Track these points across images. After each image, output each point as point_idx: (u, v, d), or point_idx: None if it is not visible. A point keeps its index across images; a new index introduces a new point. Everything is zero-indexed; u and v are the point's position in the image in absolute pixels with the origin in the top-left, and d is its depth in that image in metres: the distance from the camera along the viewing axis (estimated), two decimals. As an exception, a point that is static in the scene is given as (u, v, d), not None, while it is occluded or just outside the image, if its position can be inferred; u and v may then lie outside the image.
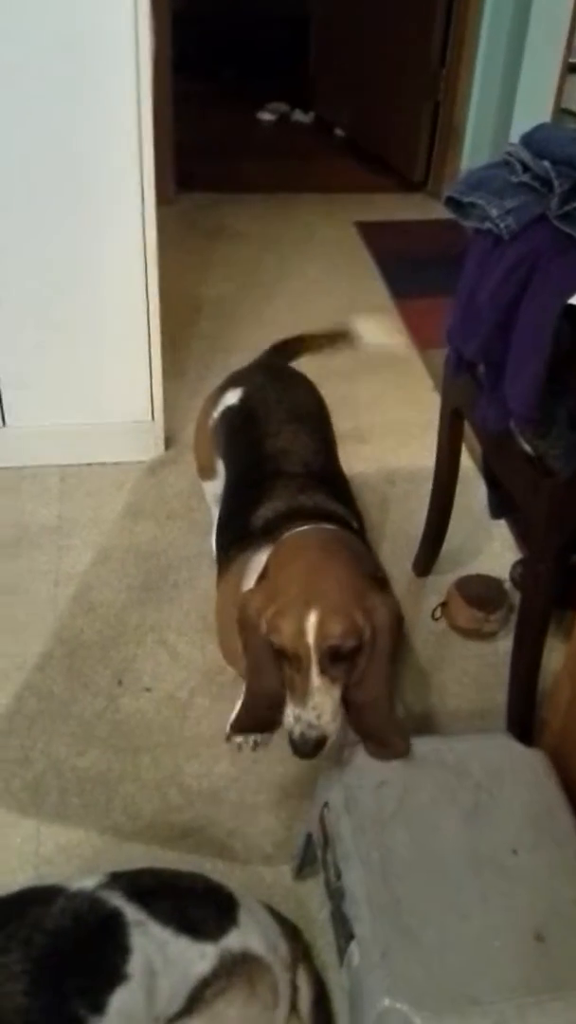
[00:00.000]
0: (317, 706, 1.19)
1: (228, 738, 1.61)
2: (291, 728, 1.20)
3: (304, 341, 1.96)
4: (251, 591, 1.30)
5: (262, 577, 1.31)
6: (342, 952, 1.11)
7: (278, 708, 1.24)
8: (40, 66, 1.81)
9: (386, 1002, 1.00)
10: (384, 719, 1.24)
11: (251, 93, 5.35)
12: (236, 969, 1.08)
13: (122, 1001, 0.98)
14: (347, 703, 1.24)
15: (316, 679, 1.18)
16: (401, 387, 2.67)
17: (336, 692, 1.20)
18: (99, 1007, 0.97)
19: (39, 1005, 0.94)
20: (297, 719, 1.19)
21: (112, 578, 1.97)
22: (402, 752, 1.24)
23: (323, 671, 1.18)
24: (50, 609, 1.88)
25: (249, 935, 1.12)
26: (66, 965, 0.98)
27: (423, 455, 2.02)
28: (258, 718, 1.31)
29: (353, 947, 1.07)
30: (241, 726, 1.35)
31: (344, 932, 1.11)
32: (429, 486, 1.93)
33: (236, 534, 1.49)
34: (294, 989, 1.19)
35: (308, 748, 1.19)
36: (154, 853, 1.44)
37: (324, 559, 1.24)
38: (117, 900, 1.06)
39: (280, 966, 1.15)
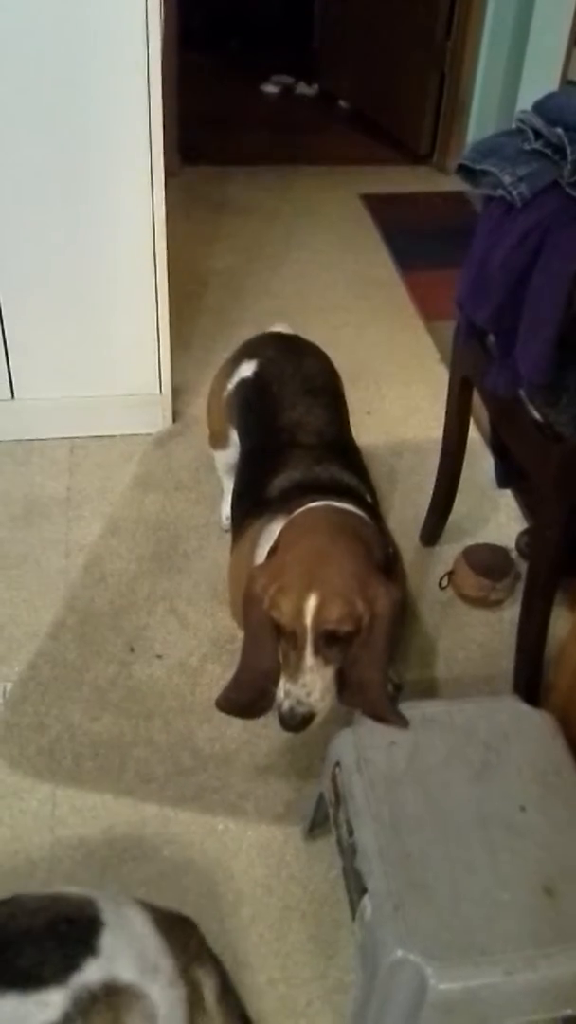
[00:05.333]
0: (308, 684, 1.23)
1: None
2: (281, 702, 1.25)
3: None
4: (259, 567, 1.32)
5: (272, 552, 1.33)
6: (354, 906, 1.14)
7: (268, 690, 1.27)
8: (50, 38, 1.80)
9: (399, 953, 1.02)
10: (375, 700, 1.26)
11: (255, 65, 5.29)
12: (95, 1007, 0.95)
13: None
14: (342, 681, 1.27)
15: (310, 659, 1.22)
16: (408, 359, 2.68)
17: (329, 673, 1.25)
18: None
19: None
20: (287, 694, 1.24)
21: (122, 548, 1.99)
22: (399, 726, 1.26)
23: (317, 651, 1.22)
24: (61, 579, 1.90)
25: (116, 961, 0.98)
26: None
27: (430, 427, 2.04)
28: (246, 700, 1.33)
29: (366, 901, 1.10)
30: (227, 704, 1.36)
31: (357, 887, 1.14)
32: (435, 458, 1.94)
33: (252, 502, 1.51)
34: (193, 989, 1.06)
35: (295, 722, 1.24)
36: (167, 814, 1.47)
37: (331, 544, 1.26)
38: None
39: (163, 983, 1.01)
